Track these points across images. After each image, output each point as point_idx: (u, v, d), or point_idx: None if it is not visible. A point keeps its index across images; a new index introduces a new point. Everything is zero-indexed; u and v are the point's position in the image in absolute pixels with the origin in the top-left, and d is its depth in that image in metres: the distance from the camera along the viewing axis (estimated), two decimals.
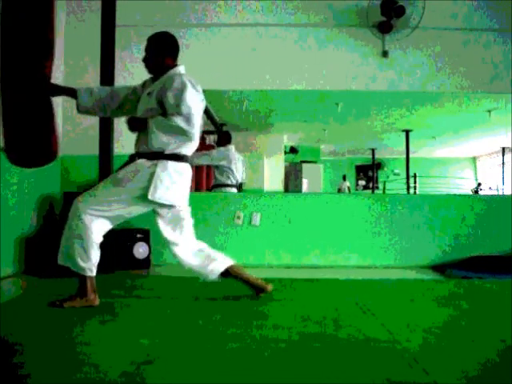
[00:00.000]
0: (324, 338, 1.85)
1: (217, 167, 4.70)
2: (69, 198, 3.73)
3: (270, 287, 2.56)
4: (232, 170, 4.68)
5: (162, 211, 2.42)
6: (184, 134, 2.28)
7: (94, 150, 3.60)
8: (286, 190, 5.73)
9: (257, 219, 4.02)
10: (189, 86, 2.28)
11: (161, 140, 2.29)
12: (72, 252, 2.28)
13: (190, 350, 1.69)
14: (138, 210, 2.37)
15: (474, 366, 1.55)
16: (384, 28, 3.94)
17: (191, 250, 2.50)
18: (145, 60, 2.45)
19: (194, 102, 2.27)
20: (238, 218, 3.98)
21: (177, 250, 2.48)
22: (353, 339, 1.83)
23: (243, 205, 4.04)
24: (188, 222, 2.51)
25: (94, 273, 2.33)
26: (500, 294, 2.89)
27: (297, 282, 3.09)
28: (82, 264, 2.28)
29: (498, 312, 2.36)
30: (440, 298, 2.72)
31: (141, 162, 2.35)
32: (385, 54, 4.03)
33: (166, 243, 2.51)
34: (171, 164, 2.31)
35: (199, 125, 2.32)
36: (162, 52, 2.41)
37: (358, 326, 2.02)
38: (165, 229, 2.46)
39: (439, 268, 3.86)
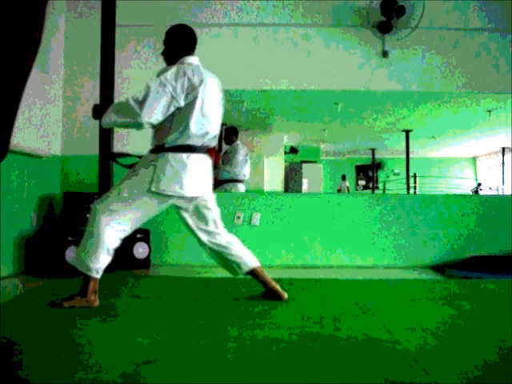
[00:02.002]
0: (324, 338, 1.85)
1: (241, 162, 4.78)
2: (69, 198, 3.75)
3: (285, 295, 2.52)
4: (248, 165, 4.78)
5: (181, 204, 2.41)
6: (132, 117, 2.21)
7: (94, 149, 3.60)
8: (286, 190, 5.72)
9: (257, 219, 4.02)
10: (172, 70, 2.27)
11: (161, 133, 2.33)
12: (83, 251, 2.28)
13: (190, 350, 1.68)
14: (153, 205, 2.34)
15: (474, 366, 1.54)
16: (384, 28, 3.94)
17: (220, 241, 2.50)
18: (163, 53, 2.48)
19: (161, 88, 2.21)
20: (238, 218, 3.98)
21: (205, 240, 2.48)
22: (353, 339, 1.83)
23: (243, 205, 4.04)
24: (214, 212, 2.50)
25: (99, 275, 2.31)
26: (500, 293, 2.88)
27: (297, 282, 3.09)
28: (89, 264, 2.26)
29: (498, 312, 2.36)
30: (440, 297, 2.72)
31: (146, 156, 2.39)
32: (385, 54, 4.03)
33: (194, 236, 2.50)
34: (172, 156, 2.31)
35: (158, 114, 2.22)
36: (177, 44, 2.43)
37: (357, 326, 2.02)
38: (190, 220, 2.46)
39: (439, 268, 3.86)
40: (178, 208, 2.45)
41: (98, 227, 2.25)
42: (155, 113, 2.22)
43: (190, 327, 2.00)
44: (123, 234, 2.32)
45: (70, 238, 3.36)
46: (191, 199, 2.40)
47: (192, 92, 2.29)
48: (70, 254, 3.34)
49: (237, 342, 1.77)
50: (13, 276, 3.25)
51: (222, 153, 4.78)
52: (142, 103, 2.19)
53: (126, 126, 2.33)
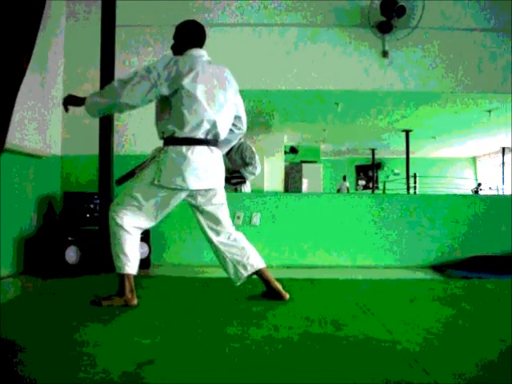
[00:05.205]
0: (324, 338, 1.85)
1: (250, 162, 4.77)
2: (69, 197, 3.75)
3: (287, 296, 2.53)
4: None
5: (191, 200, 2.43)
6: (112, 98, 2.26)
7: (94, 149, 3.60)
8: (286, 190, 5.72)
9: (257, 219, 4.02)
10: (164, 59, 2.30)
11: (161, 124, 2.36)
12: (112, 252, 2.34)
13: (190, 350, 1.69)
14: (163, 199, 2.35)
15: (473, 366, 1.55)
16: (384, 28, 3.94)
17: (227, 241, 2.51)
18: (171, 47, 2.52)
19: (146, 74, 2.24)
20: (238, 218, 3.98)
21: (214, 239, 2.50)
22: (353, 339, 1.83)
23: (243, 205, 4.04)
24: (223, 210, 2.51)
25: (131, 270, 2.35)
26: (500, 294, 2.88)
27: (297, 282, 3.08)
28: (118, 262, 2.32)
29: (498, 312, 2.36)
30: (440, 297, 2.71)
31: (154, 149, 2.42)
32: (385, 53, 4.03)
33: (204, 234, 2.52)
34: (172, 148, 2.32)
35: (137, 97, 2.25)
36: (183, 39, 2.46)
37: (357, 326, 2.02)
38: (201, 218, 2.49)
39: (439, 268, 3.86)
40: (192, 206, 2.48)
41: (117, 226, 2.31)
42: (134, 95, 2.25)
43: (190, 327, 2.00)
44: (142, 227, 2.38)
45: (69, 238, 3.37)
46: (200, 194, 2.41)
47: (178, 80, 2.27)
48: (70, 253, 3.35)
49: (237, 342, 1.77)
50: (13, 276, 3.25)
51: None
52: (124, 83, 2.25)
53: (108, 109, 2.36)
